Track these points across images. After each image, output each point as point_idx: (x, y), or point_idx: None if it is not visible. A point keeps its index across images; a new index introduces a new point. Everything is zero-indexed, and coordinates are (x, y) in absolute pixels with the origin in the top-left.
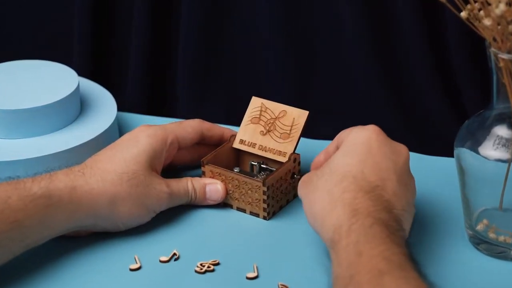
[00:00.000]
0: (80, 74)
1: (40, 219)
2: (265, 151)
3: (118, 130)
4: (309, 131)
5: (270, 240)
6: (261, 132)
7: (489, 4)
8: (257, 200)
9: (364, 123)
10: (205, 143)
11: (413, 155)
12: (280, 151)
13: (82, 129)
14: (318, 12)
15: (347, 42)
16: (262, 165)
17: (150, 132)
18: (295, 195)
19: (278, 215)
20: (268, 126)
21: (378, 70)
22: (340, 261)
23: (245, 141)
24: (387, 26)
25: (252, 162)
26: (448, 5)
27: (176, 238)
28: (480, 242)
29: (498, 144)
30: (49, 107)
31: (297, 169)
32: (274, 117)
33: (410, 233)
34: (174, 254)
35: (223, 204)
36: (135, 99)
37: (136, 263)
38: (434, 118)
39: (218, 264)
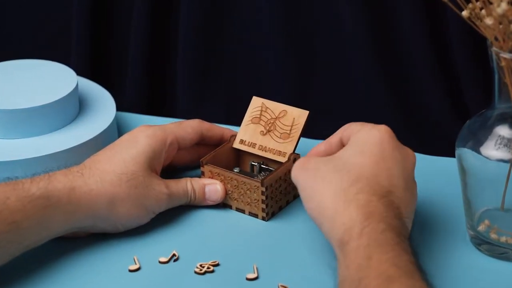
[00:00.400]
0: (79, 73)
1: (39, 220)
2: (265, 151)
3: (117, 130)
4: (309, 131)
5: (270, 241)
6: (261, 132)
7: (491, 3)
8: (256, 201)
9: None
10: (205, 144)
11: None
12: (280, 151)
13: (81, 129)
14: (318, 12)
15: (347, 42)
16: (262, 166)
17: (149, 132)
18: (295, 196)
19: (278, 216)
20: (268, 126)
21: (378, 70)
22: (348, 264)
23: (245, 141)
24: (387, 26)
25: (252, 163)
26: (450, 4)
27: (176, 238)
28: (481, 242)
29: (500, 144)
30: (47, 107)
31: None
32: (275, 117)
33: (411, 233)
34: (174, 255)
35: (223, 205)
36: (134, 99)
37: (135, 264)
38: (435, 117)
39: (217, 265)
